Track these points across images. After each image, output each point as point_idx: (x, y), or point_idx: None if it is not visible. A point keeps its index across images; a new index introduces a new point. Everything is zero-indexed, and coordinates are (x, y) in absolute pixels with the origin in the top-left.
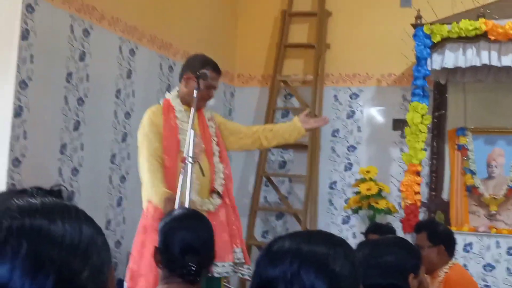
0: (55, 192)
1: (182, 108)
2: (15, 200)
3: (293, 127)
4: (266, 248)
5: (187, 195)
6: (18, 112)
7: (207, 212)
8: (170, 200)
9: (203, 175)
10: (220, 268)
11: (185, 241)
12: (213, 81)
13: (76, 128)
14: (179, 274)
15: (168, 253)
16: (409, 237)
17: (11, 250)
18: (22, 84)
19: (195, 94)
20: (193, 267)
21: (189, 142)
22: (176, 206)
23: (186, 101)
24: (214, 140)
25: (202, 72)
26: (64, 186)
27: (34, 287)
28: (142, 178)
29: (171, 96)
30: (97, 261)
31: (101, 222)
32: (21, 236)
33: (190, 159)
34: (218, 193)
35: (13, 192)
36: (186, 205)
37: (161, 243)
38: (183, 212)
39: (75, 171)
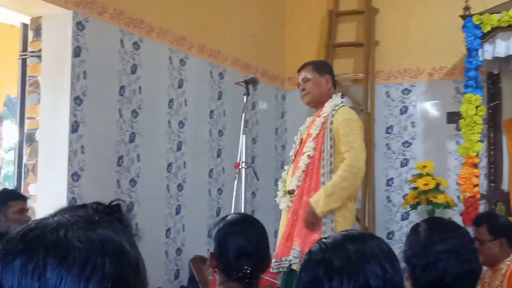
0: (114, 207)
1: (309, 119)
2: (80, 213)
3: None
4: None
5: (242, 198)
6: (74, 128)
7: (286, 208)
8: None
9: (257, 179)
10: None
11: (239, 246)
12: (297, 81)
13: (131, 140)
14: (235, 278)
15: (223, 258)
16: (470, 230)
17: (93, 266)
18: (77, 100)
19: (244, 100)
20: (248, 270)
21: (243, 148)
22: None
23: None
24: (312, 136)
25: (251, 78)
26: (123, 200)
27: None
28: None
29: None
30: (147, 286)
31: (161, 231)
32: (105, 252)
33: (243, 164)
34: (289, 191)
35: (74, 207)
36: (242, 209)
37: (216, 249)
38: (236, 217)
39: (133, 182)
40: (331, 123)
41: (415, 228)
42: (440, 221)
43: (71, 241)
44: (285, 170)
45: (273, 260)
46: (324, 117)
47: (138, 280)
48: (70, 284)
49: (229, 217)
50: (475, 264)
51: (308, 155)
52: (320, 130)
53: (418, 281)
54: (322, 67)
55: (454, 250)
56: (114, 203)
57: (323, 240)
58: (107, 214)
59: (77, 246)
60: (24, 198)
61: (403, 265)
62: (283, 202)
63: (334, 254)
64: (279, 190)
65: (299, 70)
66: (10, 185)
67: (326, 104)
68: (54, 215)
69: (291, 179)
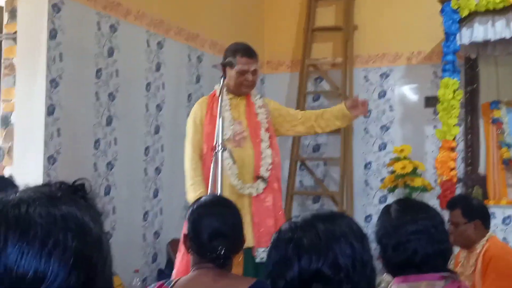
0: (79, 186)
1: (226, 97)
2: (43, 190)
3: (342, 114)
4: None
5: (219, 181)
6: (50, 111)
7: (250, 196)
8: None
9: (234, 162)
10: (263, 254)
11: (213, 226)
12: (245, 65)
13: (108, 123)
14: (209, 259)
15: (197, 239)
16: (446, 214)
17: (55, 241)
18: (53, 83)
19: (221, 83)
20: (222, 251)
21: (218, 130)
22: (208, 192)
23: (230, 90)
24: (263, 126)
25: (228, 60)
26: (87, 179)
27: (63, 284)
28: (185, 171)
29: (218, 87)
30: (111, 263)
31: (138, 214)
32: (67, 228)
33: (219, 147)
34: (263, 178)
35: (38, 186)
36: (218, 192)
37: (190, 230)
38: (210, 199)
39: (110, 165)
40: (269, 113)
41: (386, 209)
42: (411, 202)
43: (32, 216)
44: (224, 150)
45: (256, 251)
46: (261, 106)
47: (101, 256)
48: (31, 260)
49: (202, 199)
50: (446, 245)
51: (268, 145)
52: (267, 120)
53: (388, 261)
54: None
55: (424, 231)
56: (78, 182)
57: (293, 219)
58: (72, 193)
59: (38, 222)
60: (17, 187)
61: (375, 245)
62: (252, 188)
63: (304, 233)
64: (234, 174)
65: (253, 57)
66: None
67: (252, 93)
68: (16, 192)
69: (252, 165)
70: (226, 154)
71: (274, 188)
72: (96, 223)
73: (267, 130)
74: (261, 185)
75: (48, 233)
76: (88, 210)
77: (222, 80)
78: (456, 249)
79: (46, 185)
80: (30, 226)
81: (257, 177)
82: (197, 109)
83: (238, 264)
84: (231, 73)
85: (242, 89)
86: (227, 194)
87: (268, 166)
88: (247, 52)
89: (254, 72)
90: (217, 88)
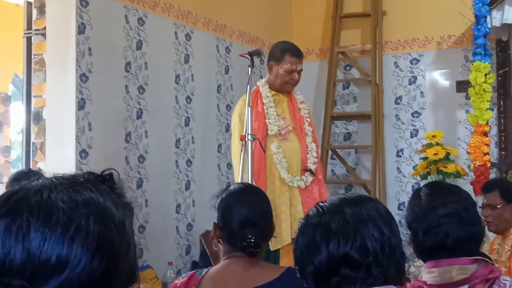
0: (107, 176)
1: (269, 94)
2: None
3: None
4: None
5: (249, 170)
6: (81, 105)
7: (299, 188)
8: None
9: (264, 152)
10: None
11: (242, 215)
12: (293, 65)
13: (139, 116)
14: (239, 248)
15: (227, 228)
16: (481, 199)
17: (77, 226)
18: (82, 77)
19: (249, 72)
20: (252, 239)
21: (248, 120)
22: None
23: (274, 87)
24: (307, 121)
25: (255, 50)
26: (115, 170)
27: (86, 268)
28: (233, 165)
29: (261, 83)
30: (135, 247)
31: (171, 207)
32: (89, 212)
33: (249, 136)
34: (311, 171)
35: (60, 176)
36: (249, 180)
37: (219, 219)
38: (238, 187)
39: (141, 158)
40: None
41: (416, 193)
42: (441, 185)
43: (54, 202)
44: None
45: None
46: (302, 102)
47: (124, 240)
48: (53, 245)
49: (231, 187)
50: (478, 228)
51: (312, 139)
52: (309, 115)
53: (420, 245)
54: None
55: (455, 214)
56: (106, 172)
57: (321, 204)
58: (100, 182)
59: (60, 207)
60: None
61: (405, 230)
62: (301, 181)
63: (331, 217)
64: (284, 168)
65: (301, 57)
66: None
67: (294, 91)
68: (39, 179)
69: (299, 157)
70: (275, 148)
71: (320, 179)
72: (118, 208)
73: (309, 124)
74: (309, 178)
75: (70, 218)
76: (110, 195)
77: (250, 70)
78: (491, 236)
79: (73, 175)
80: (53, 212)
81: (305, 170)
82: (241, 107)
83: (288, 252)
84: (278, 70)
85: (287, 87)
86: (277, 186)
87: (314, 159)
88: (297, 52)
89: (300, 72)
90: (260, 83)
